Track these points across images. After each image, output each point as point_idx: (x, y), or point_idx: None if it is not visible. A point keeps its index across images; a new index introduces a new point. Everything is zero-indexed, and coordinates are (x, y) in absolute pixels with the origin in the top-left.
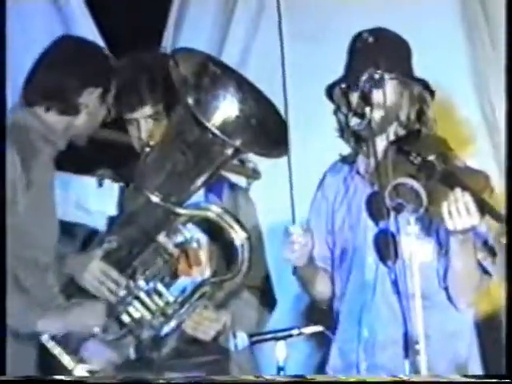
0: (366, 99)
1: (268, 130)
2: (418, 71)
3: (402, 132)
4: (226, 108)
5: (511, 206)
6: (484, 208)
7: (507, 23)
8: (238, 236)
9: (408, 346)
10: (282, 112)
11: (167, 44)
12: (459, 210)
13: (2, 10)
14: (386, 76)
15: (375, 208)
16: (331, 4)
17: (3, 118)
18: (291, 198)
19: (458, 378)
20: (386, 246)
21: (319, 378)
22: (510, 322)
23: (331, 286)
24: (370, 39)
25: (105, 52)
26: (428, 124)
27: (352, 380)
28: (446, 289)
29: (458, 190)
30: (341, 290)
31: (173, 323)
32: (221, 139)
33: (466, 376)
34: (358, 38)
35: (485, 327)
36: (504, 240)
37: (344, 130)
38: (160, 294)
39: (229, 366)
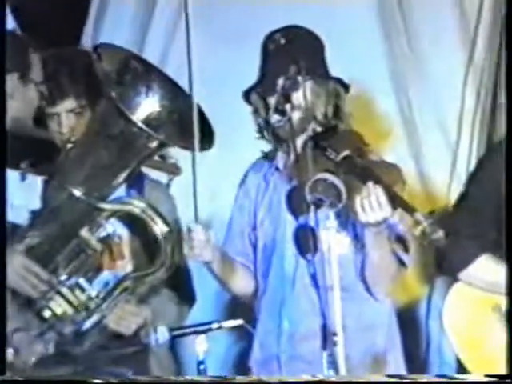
0: (285, 98)
1: (190, 124)
2: (336, 67)
3: (319, 128)
4: (149, 103)
5: (511, 206)
6: (395, 201)
7: (507, 23)
8: (160, 231)
9: (326, 337)
10: (202, 108)
11: (87, 40)
12: (371, 204)
13: (2, 11)
14: (301, 78)
15: (295, 203)
16: (249, 3)
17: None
18: (194, 196)
19: (458, 378)
20: (305, 240)
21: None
22: (510, 321)
23: (253, 282)
24: (282, 41)
25: (22, 38)
26: (344, 120)
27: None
28: (364, 280)
29: (370, 184)
30: (262, 283)
31: (95, 317)
32: (145, 132)
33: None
34: (269, 39)
35: (404, 318)
36: (417, 232)
37: (263, 130)
38: (82, 289)
39: (149, 360)
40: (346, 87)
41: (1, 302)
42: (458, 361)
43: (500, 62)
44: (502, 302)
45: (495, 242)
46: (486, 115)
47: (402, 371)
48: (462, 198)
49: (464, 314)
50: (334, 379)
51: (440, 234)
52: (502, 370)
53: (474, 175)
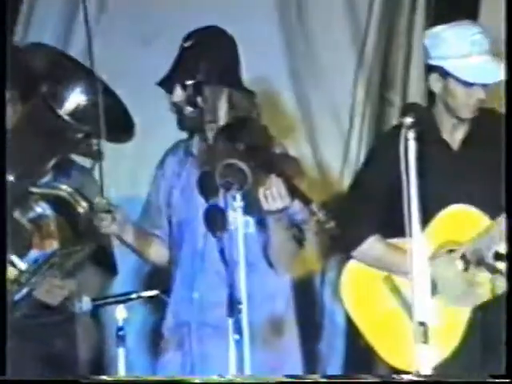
0: (197, 92)
1: (114, 118)
2: (246, 66)
3: (230, 120)
4: (77, 98)
5: (511, 206)
6: (294, 193)
7: (507, 23)
8: (85, 212)
9: (232, 306)
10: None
11: (18, 39)
12: (273, 194)
13: (2, 11)
14: (212, 74)
15: (206, 186)
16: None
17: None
18: (101, 177)
19: (458, 378)
20: (214, 219)
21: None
22: (510, 321)
23: (167, 252)
24: (187, 44)
25: None
26: (253, 113)
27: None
28: (267, 257)
29: (273, 176)
30: (175, 257)
31: (25, 290)
32: (72, 125)
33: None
34: (185, 39)
35: (301, 290)
36: (312, 221)
37: (181, 121)
38: (14, 265)
39: (74, 327)
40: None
41: (1, 302)
42: (349, 327)
43: (388, 61)
44: (393, 276)
45: (384, 224)
46: (374, 108)
47: (297, 337)
48: (354, 184)
49: (357, 288)
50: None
51: (332, 224)
52: (392, 337)
53: (364, 163)
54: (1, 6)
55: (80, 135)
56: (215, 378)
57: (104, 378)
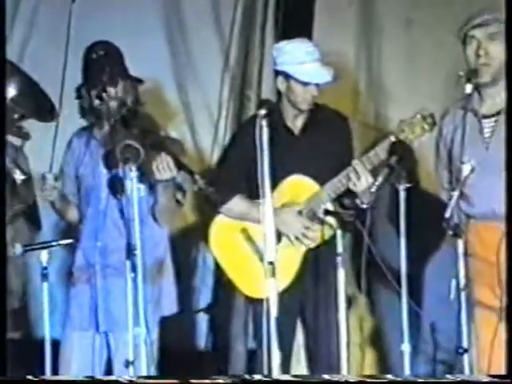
0: (103, 90)
1: (40, 102)
2: (134, 67)
3: (126, 111)
4: (14, 88)
5: (511, 205)
6: (180, 166)
7: (507, 23)
8: (20, 178)
9: (129, 251)
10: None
11: None
12: (163, 167)
13: (1, 11)
14: (115, 78)
15: (109, 160)
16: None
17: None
18: (53, 149)
19: (458, 378)
20: (115, 186)
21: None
22: (510, 321)
23: (78, 212)
24: (100, 52)
25: None
26: (142, 105)
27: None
28: (153, 214)
29: (162, 154)
30: (84, 215)
31: None
32: (11, 108)
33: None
34: (90, 50)
35: (181, 239)
36: (195, 188)
37: (85, 112)
38: None
39: (8, 267)
40: (141, 81)
41: (1, 302)
42: (216, 267)
43: (247, 66)
44: (248, 226)
45: (245, 188)
46: (236, 102)
47: (173, 276)
48: (222, 159)
49: (221, 236)
50: (336, 379)
51: (211, 189)
52: (248, 274)
53: (229, 144)
54: None
55: (16, 115)
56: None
57: (104, 378)
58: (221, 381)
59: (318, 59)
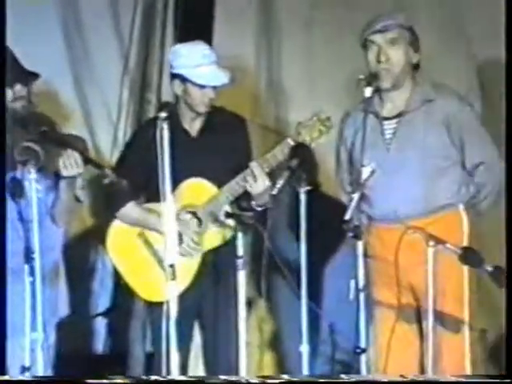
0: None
1: None
2: (31, 67)
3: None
4: None
5: (511, 199)
6: (87, 161)
7: (507, 23)
8: None
9: (27, 255)
10: None
11: None
12: (71, 163)
13: (1, 10)
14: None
15: (7, 163)
16: None
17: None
18: None
19: (458, 378)
20: (14, 188)
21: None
22: (510, 322)
23: None
24: None
25: None
26: (38, 106)
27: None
28: (52, 215)
29: (69, 150)
30: None
31: None
32: None
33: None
34: None
35: (78, 242)
36: (106, 181)
37: None
38: None
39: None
40: (37, 76)
41: (1, 301)
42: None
43: (146, 69)
44: (145, 230)
45: (143, 190)
46: (136, 105)
47: (66, 279)
48: (120, 162)
49: (119, 241)
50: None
51: (124, 182)
52: (146, 278)
53: (127, 145)
54: None
55: None
56: None
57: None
58: (119, 381)
59: (214, 62)
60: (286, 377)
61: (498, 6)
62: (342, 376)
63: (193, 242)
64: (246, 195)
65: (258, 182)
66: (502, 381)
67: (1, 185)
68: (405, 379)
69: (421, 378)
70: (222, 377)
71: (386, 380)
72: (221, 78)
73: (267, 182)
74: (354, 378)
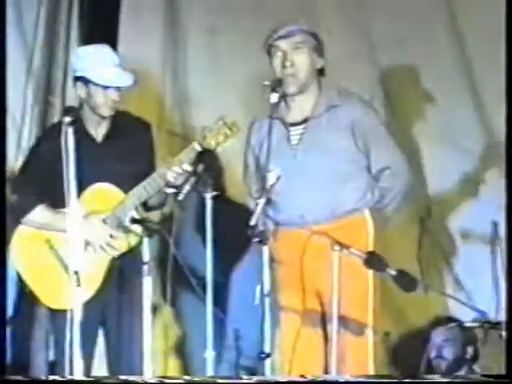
0: None
1: None
2: None
3: None
4: None
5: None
6: None
7: (507, 23)
8: None
9: None
10: None
11: None
12: None
13: (1, 10)
14: None
15: None
16: None
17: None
18: None
19: (458, 378)
20: None
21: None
22: (510, 321)
23: None
24: None
25: None
26: None
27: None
28: None
29: None
30: None
31: None
32: None
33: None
34: None
35: None
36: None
37: None
38: None
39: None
40: None
41: (1, 301)
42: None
43: (51, 72)
44: (51, 236)
45: (49, 195)
46: (40, 109)
47: None
48: (23, 166)
49: (24, 247)
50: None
51: (14, 197)
52: (51, 284)
53: (31, 151)
54: None
55: None
56: None
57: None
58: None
59: (117, 64)
60: (186, 377)
61: (402, 12)
62: (243, 377)
63: (99, 248)
64: (152, 200)
65: (163, 187)
66: (502, 381)
67: (1, 185)
68: (304, 379)
69: (320, 379)
70: (122, 377)
71: (285, 380)
72: (124, 79)
73: (173, 188)
74: (253, 378)
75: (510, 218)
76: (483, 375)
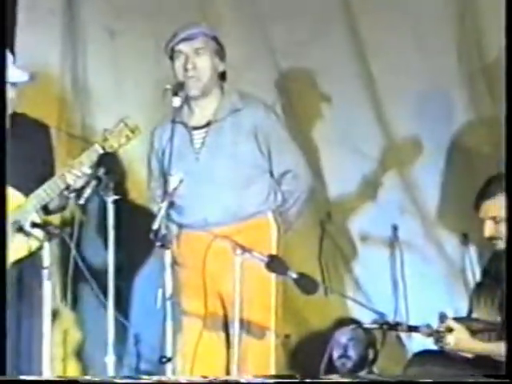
0: None
1: None
2: None
3: None
4: None
5: (511, 201)
6: None
7: (507, 23)
8: None
9: None
10: None
11: None
12: None
13: (1, 11)
14: None
15: None
16: None
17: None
18: None
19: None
20: None
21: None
22: (510, 321)
23: None
24: None
25: None
26: None
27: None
28: None
29: None
30: None
31: None
32: None
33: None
34: None
35: None
36: None
37: None
38: None
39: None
40: None
41: (1, 302)
42: None
43: None
44: None
45: None
46: None
47: None
48: None
49: None
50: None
51: None
52: None
53: None
54: None
55: None
56: None
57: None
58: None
59: (12, 62)
60: (87, 377)
61: (301, 18)
62: (143, 377)
63: None
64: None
65: (64, 190)
66: (502, 381)
67: (1, 186)
68: (205, 380)
69: (221, 379)
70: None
71: (185, 381)
72: (19, 75)
73: (73, 191)
74: (152, 378)
75: (510, 220)
76: (484, 375)
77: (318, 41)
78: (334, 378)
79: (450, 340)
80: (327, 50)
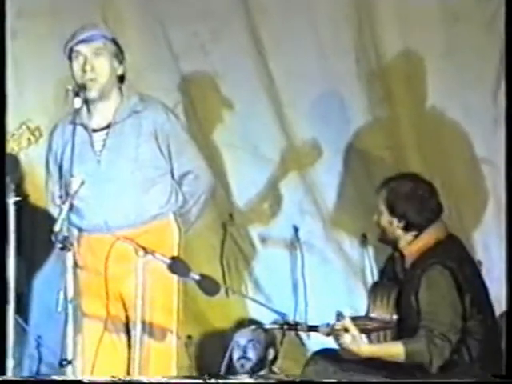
0: None
1: None
2: None
3: None
4: None
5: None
6: None
7: (507, 23)
8: None
9: None
10: None
11: None
12: None
13: (1, 11)
14: None
15: None
16: None
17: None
18: None
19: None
20: None
21: None
22: (510, 321)
23: None
24: None
25: None
26: None
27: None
28: None
29: None
30: None
31: None
32: None
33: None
34: None
35: None
36: None
37: None
38: None
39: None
40: None
41: (1, 302)
42: None
43: None
44: None
45: None
46: None
47: None
48: None
49: None
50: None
51: None
52: None
53: None
54: None
55: None
56: None
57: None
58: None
59: None
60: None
61: (202, 22)
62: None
63: None
64: None
65: None
66: (503, 381)
67: (1, 187)
68: (105, 379)
69: (126, 379)
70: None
71: (87, 381)
72: None
73: None
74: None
75: (510, 217)
76: (492, 375)
77: (219, 44)
78: (235, 378)
79: (347, 339)
80: (228, 54)
